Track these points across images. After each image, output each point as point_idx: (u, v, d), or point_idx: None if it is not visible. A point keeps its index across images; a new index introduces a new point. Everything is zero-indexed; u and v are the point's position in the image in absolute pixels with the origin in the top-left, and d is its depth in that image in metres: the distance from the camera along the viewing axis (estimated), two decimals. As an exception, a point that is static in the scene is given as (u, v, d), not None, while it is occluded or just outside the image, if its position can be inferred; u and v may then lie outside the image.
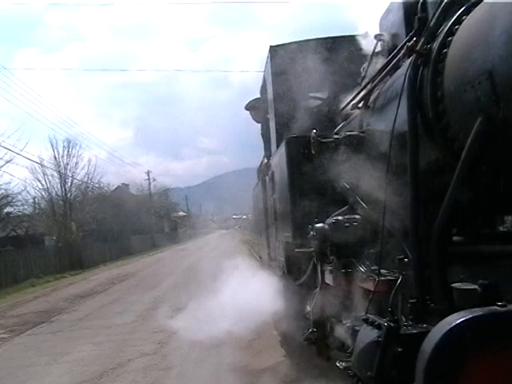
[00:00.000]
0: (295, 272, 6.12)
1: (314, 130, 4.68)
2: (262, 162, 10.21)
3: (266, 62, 7.32)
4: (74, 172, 41.44)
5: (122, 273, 27.52)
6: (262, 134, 9.20)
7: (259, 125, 9.49)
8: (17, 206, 37.89)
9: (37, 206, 41.04)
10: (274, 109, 6.94)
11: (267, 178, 8.51)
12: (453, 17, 2.99)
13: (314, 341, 5.23)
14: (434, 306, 2.93)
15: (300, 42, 6.57)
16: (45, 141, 41.62)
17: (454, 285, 2.64)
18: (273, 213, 7.63)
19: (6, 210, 36.64)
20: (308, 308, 5.19)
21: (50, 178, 39.60)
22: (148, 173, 70.23)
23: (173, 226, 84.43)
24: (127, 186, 65.38)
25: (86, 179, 43.36)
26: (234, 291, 8.23)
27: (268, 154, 8.60)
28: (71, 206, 40.52)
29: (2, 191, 35.40)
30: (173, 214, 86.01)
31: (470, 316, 2.03)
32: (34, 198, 40.17)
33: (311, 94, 6.22)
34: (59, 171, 40.24)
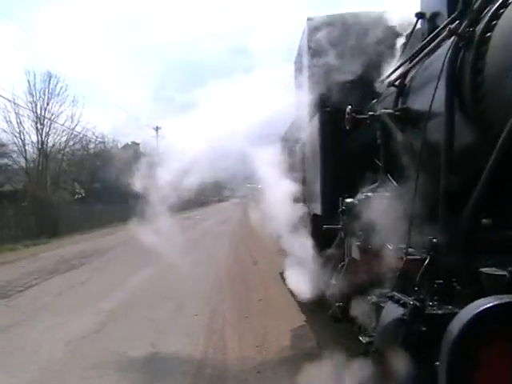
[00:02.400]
0: (321, 245, 6.20)
1: (350, 106, 4.69)
2: (287, 130, 10.22)
3: (303, 33, 7.27)
4: (53, 114, 33.07)
5: (91, 248, 20.56)
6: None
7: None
8: (11, 157, 31.98)
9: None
10: (308, 80, 6.93)
11: (297, 147, 8.53)
12: (499, 0, 2.95)
13: (339, 316, 5.28)
14: (460, 288, 2.99)
15: (338, 14, 6.50)
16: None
17: (482, 269, 2.68)
18: (301, 184, 7.68)
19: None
20: (333, 281, 5.28)
21: (24, 119, 31.57)
22: (156, 129, 63.01)
23: (183, 192, 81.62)
24: (137, 144, 61.00)
25: (69, 124, 34.42)
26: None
27: (299, 123, 8.60)
28: (48, 157, 32.81)
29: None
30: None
31: (499, 302, 2.09)
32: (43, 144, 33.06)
33: (347, 68, 6.18)
34: (35, 111, 31.94)
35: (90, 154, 40.10)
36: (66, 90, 34.26)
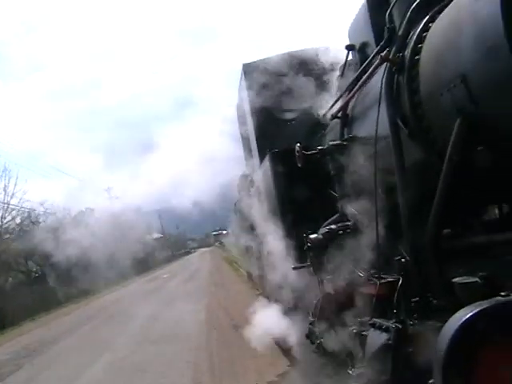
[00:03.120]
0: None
1: (299, 144, 4.77)
2: (241, 177, 10.28)
3: (241, 80, 7.42)
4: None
5: (38, 340, 16.40)
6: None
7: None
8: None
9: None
10: (253, 124, 7.03)
11: (251, 192, 8.58)
12: (420, 25, 3.13)
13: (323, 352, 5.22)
14: (436, 302, 3.03)
15: (272, 57, 6.68)
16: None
17: (454, 279, 2.72)
18: (261, 227, 7.68)
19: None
20: (310, 318, 5.24)
21: None
22: (108, 189, 58.74)
23: (148, 249, 76.99)
24: (92, 210, 56.28)
25: (3, 197, 30.77)
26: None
27: (250, 168, 8.68)
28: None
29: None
30: (146, 236, 78.64)
31: (480, 309, 2.13)
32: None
33: (288, 107, 6.32)
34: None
35: (41, 229, 35.30)
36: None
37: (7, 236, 32.42)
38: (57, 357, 12.85)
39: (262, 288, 9.18)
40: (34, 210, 35.26)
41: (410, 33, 3.23)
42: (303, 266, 5.08)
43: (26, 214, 34.23)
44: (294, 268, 5.32)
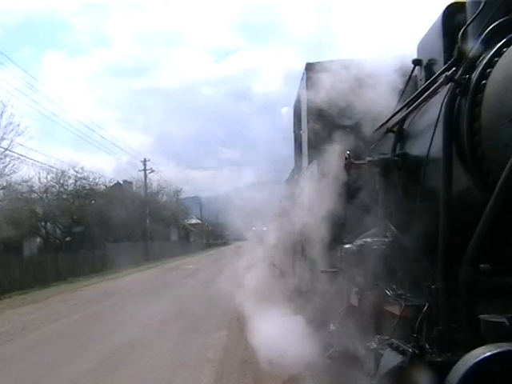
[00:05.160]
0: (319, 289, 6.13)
1: (348, 151, 4.71)
2: (290, 175, 10.28)
3: (302, 79, 7.39)
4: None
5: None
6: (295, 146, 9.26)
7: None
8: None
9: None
10: (307, 125, 7.00)
11: (294, 192, 8.56)
12: (493, 48, 3.01)
13: (336, 360, 5.22)
14: (459, 335, 2.94)
15: (337, 60, 6.60)
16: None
17: (481, 316, 2.64)
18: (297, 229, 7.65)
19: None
20: (332, 327, 5.20)
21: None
22: (144, 161, 50.91)
23: (183, 234, 71.94)
24: (130, 183, 52.01)
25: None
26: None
27: (298, 167, 8.66)
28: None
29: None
30: (184, 220, 72.72)
31: (498, 350, 2.05)
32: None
33: (345, 113, 6.25)
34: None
35: (68, 192, 34.81)
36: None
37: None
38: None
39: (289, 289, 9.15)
40: (64, 172, 34.26)
41: (481, 55, 3.11)
42: (332, 271, 5.05)
43: (61, 177, 33.95)
44: (323, 271, 5.30)
